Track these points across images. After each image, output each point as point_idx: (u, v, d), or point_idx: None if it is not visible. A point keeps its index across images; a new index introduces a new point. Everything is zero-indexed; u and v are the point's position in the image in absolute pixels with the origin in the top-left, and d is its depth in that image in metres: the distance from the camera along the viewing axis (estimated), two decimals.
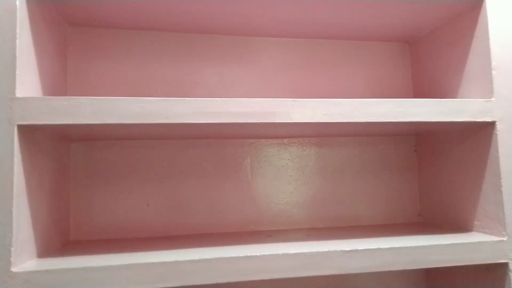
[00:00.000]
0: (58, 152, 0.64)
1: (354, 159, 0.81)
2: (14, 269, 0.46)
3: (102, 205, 0.71)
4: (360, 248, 0.54)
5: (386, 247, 0.55)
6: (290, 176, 0.79)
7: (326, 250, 0.53)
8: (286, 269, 0.52)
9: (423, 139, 0.81)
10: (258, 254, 0.52)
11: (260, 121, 0.54)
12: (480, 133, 0.64)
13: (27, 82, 0.52)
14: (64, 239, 0.66)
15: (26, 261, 0.50)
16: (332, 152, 0.81)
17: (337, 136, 0.81)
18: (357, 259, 0.54)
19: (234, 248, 0.56)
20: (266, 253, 0.52)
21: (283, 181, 0.78)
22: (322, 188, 0.79)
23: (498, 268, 0.60)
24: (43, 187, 0.57)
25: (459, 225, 0.69)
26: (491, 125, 0.61)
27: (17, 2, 0.49)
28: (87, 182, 0.71)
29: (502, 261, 0.58)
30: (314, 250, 0.53)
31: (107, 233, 0.71)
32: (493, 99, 0.61)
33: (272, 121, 0.54)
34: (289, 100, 0.55)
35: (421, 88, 0.81)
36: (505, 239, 0.59)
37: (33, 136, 0.53)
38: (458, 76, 0.68)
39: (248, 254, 0.52)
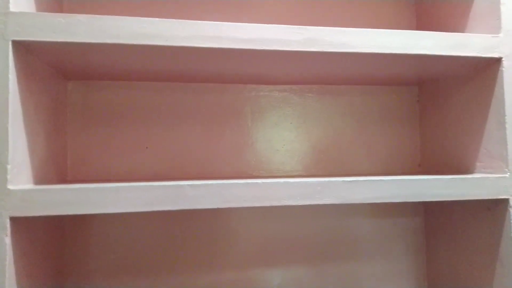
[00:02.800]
0: (55, 91, 0.63)
1: (356, 108, 0.80)
2: (10, 186, 0.45)
3: (100, 146, 0.70)
4: (361, 179, 0.54)
5: (388, 179, 0.54)
6: (291, 123, 0.78)
7: (327, 180, 0.53)
8: (287, 197, 0.52)
9: (425, 89, 0.80)
10: (259, 182, 0.51)
11: (261, 48, 0.52)
12: (485, 72, 0.63)
13: None
14: (61, 178, 0.66)
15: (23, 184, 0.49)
16: (334, 101, 0.79)
17: (339, 85, 0.79)
18: (358, 190, 0.53)
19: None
20: (267, 181, 0.51)
21: (283, 128, 0.77)
22: (323, 137, 0.79)
23: (499, 206, 0.60)
24: (40, 121, 0.55)
25: (461, 171, 0.69)
26: (497, 62, 0.60)
27: None
28: (84, 123, 0.70)
29: (503, 197, 0.58)
30: (315, 180, 0.53)
31: (105, 175, 0.70)
32: (500, 35, 0.59)
33: (274, 49, 0.53)
34: (294, 27, 0.53)
35: (426, 25, 0.79)
36: (507, 175, 0.58)
37: (28, 60, 0.51)
38: (466, 11, 0.66)
39: (249, 182, 0.51)
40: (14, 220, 0.45)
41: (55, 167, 0.62)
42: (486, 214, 0.63)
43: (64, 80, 0.68)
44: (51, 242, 0.61)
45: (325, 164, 0.78)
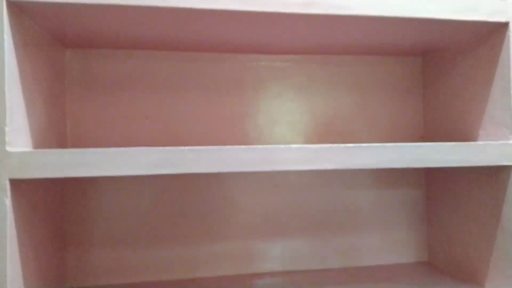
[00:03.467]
0: (53, 58, 0.62)
1: (359, 79, 0.79)
2: (9, 148, 0.45)
3: (99, 117, 0.70)
4: (362, 145, 0.53)
5: (390, 145, 0.54)
6: (293, 94, 0.77)
7: (328, 146, 0.52)
8: (287, 162, 0.51)
9: (429, 59, 0.78)
10: (259, 147, 0.51)
11: (259, 9, 0.51)
12: (492, 37, 0.61)
13: None
14: (60, 147, 0.65)
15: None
16: (337, 72, 0.78)
17: (342, 55, 0.78)
18: (359, 155, 0.53)
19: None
20: (268, 147, 0.51)
21: (285, 99, 0.76)
22: (325, 108, 0.78)
23: (501, 174, 0.60)
24: (38, 87, 0.55)
25: (464, 140, 0.69)
26: (504, 26, 0.59)
27: None
28: (83, 92, 0.69)
29: (507, 163, 0.57)
30: (316, 146, 0.52)
31: (104, 145, 0.70)
32: None
33: (272, 10, 0.51)
34: None
35: None
36: (510, 142, 0.58)
37: (24, 22, 0.50)
38: None
39: (250, 147, 0.51)
40: (13, 182, 0.45)
41: (54, 136, 0.62)
42: (488, 182, 0.63)
43: (62, 48, 0.67)
44: (52, 206, 0.61)
45: (327, 136, 0.78)
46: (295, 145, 0.52)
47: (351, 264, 0.78)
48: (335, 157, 0.52)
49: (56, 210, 0.63)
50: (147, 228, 0.71)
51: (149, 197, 0.71)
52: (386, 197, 0.80)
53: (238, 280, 0.70)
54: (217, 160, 0.49)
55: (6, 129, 0.45)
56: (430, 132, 0.79)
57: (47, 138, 0.58)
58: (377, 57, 0.79)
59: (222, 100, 0.74)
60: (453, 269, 0.73)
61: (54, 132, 0.62)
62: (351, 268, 0.77)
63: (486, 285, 0.65)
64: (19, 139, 0.48)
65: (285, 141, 0.76)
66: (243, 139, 0.75)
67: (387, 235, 0.80)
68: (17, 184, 0.46)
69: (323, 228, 0.77)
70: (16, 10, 0.48)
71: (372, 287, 0.65)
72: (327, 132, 0.77)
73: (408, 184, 0.80)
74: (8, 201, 0.44)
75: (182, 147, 0.49)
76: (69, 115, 0.68)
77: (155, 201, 0.72)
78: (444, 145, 0.55)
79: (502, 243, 0.61)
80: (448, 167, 0.62)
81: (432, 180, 0.79)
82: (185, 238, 0.72)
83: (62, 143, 0.66)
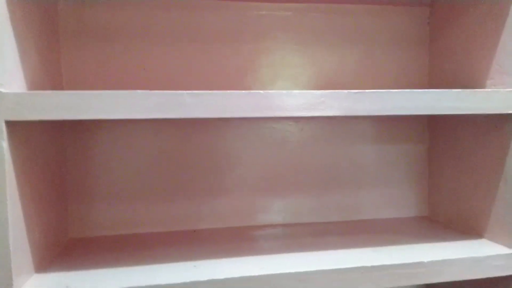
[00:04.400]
0: (45, 8, 0.59)
1: (363, 30, 0.76)
2: (3, 89, 0.44)
3: (95, 68, 0.68)
4: (366, 91, 0.52)
5: (394, 91, 0.52)
6: (296, 45, 0.74)
7: (332, 91, 0.51)
8: (290, 108, 0.50)
9: (437, 10, 0.75)
10: (261, 92, 0.49)
11: None
12: None
13: None
14: None
15: None
16: (341, 22, 0.75)
17: (347, 3, 0.75)
18: (363, 101, 0.51)
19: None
20: (270, 92, 0.50)
21: (287, 50, 0.74)
22: (329, 59, 0.76)
23: (507, 123, 0.59)
24: (30, 34, 0.53)
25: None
26: None
27: None
28: (78, 43, 0.67)
29: None
30: (319, 92, 0.51)
31: None
32: None
33: None
34: None
35: None
36: None
37: None
38: None
39: (252, 92, 0.49)
40: (9, 124, 0.44)
41: (49, 84, 0.60)
42: (493, 132, 0.62)
43: None
44: (51, 155, 0.60)
45: (330, 89, 0.76)
46: (298, 91, 0.50)
47: (351, 218, 0.79)
48: (339, 103, 0.51)
49: (56, 160, 0.62)
50: (148, 181, 0.71)
51: (150, 150, 0.71)
52: (388, 152, 0.79)
53: (239, 231, 0.71)
54: (217, 105, 0.48)
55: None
56: (436, 82, 0.77)
57: (43, 85, 0.57)
58: (384, 7, 0.76)
59: (221, 51, 0.72)
60: (452, 222, 0.73)
61: (49, 79, 0.60)
62: (351, 221, 0.77)
63: (486, 235, 0.65)
64: (13, 82, 0.47)
65: None
66: (243, 89, 0.74)
67: (388, 190, 0.80)
68: (13, 126, 0.45)
69: (324, 183, 0.77)
70: None
71: (371, 238, 0.66)
72: (331, 85, 0.76)
73: (411, 139, 0.79)
74: (5, 144, 0.44)
75: (181, 91, 0.47)
76: (64, 65, 0.67)
77: (157, 154, 0.71)
78: (451, 92, 0.54)
79: (504, 194, 0.60)
80: (454, 115, 0.61)
81: (435, 134, 0.78)
82: (186, 191, 0.72)
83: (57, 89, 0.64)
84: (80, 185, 0.69)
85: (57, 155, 0.64)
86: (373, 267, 0.54)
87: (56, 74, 0.64)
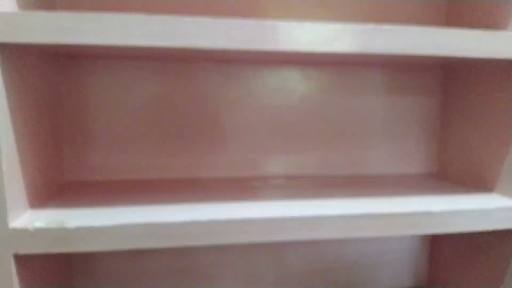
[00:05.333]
0: None
1: None
2: None
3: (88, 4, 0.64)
4: (382, 27, 0.48)
5: (412, 28, 0.49)
6: None
7: (344, 25, 0.47)
8: (299, 42, 0.47)
9: None
10: (271, 22, 0.46)
11: None
12: None
13: None
14: None
15: None
16: None
17: None
18: (377, 37, 0.48)
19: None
20: (279, 23, 0.46)
21: None
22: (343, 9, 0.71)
23: None
24: None
25: None
26: None
27: None
28: None
29: None
30: (331, 25, 0.47)
31: None
32: None
33: None
34: None
35: None
36: None
37: None
38: None
39: (260, 22, 0.46)
40: (1, 46, 0.41)
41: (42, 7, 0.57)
42: (509, 83, 0.59)
43: None
44: (45, 90, 0.57)
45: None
46: (309, 23, 0.47)
47: (358, 173, 0.77)
48: (353, 39, 0.47)
49: (50, 99, 0.60)
50: (146, 126, 0.69)
51: (149, 94, 0.68)
52: (399, 105, 0.76)
53: (240, 181, 0.69)
54: (222, 34, 0.45)
55: None
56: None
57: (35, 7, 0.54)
58: None
59: None
60: (462, 179, 0.71)
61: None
62: (357, 176, 0.75)
63: (496, 190, 0.63)
64: (4, 3, 0.43)
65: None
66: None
67: (396, 145, 0.77)
68: (4, 49, 0.42)
69: (330, 135, 0.75)
70: None
71: (378, 191, 0.64)
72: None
73: (424, 92, 0.76)
74: None
75: (184, 17, 0.44)
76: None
77: (156, 98, 0.68)
78: (471, 32, 0.50)
79: None
80: (471, 63, 0.57)
81: (449, 87, 0.74)
82: (186, 138, 0.70)
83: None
84: (75, 128, 0.67)
85: (52, 94, 0.61)
86: (379, 214, 0.52)
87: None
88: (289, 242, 0.76)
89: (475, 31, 0.50)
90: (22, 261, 0.47)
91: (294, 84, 0.72)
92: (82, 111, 0.66)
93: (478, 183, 0.67)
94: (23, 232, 0.44)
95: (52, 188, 0.60)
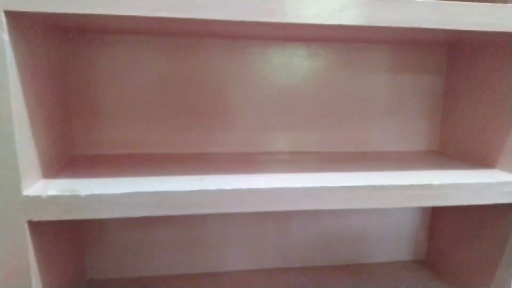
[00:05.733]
0: None
1: None
2: None
3: None
4: (391, 0, 0.48)
5: (422, 0, 0.49)
6: None
7: None
8: (307, 16, 0.47)
9: None
10: None
11: None
12: None
13: None
14: None
15: None
16: None
17: None
18: (382, 9, 0.48)
19: None
20: None
21: None
22: None
23: None
24: None
25: None
26: None
27: None
28: None
29: None
30: None
31: None
32: None
33: None
34: None
35: None
36: None
37: None
38: None
39: None
40: (9, 15, 0.42)
41: None
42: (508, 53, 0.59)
43: None
44: (54, 64, 0.58)
45: None
46: None
47: (360, 150, 0.78)
48: (360, 11, 0.47)
49: (59, 72, 0.61)
50: (154, 101, 0.69)
51: (156, 68, 0.68)
52: (402, 83, 0.76)
53: (245, 156, 0.70)
54: (229, 6, 0.45)
55: None
56: None
57: None
58: None
59: None
60: (464, 156, 0.72)
61: None
62: (359, 152, 0.76)
63: (498, 166, 0.64)
64: None
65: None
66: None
67: (400, 124, 0.78)
68: (13, 18, 0.43)
69: (334, 112, 0.75)
70: None
71: (380, 165, 0.65)
72: None
73: (428, 70, 0.76)
74: (6, 36, 0.42)
75: None
76: None
77: (163, 73, 0.69)
78: (481, 5, 0.50)
79: None
80: (477, 38, 0.57)
81: (453, 65, 0.74)
82: (192, 114, 0.71)
83: None
84: (84, 102, 0.67)
85: (60, 68, 0.62)
86: (381, 186, 0.53)
87: None
88: (292, 214, 0.78)
89: (481, 4, 0.50)
90: (36, 227, 0.48)
91: (300, 61, 0.72)
92: (91, 87, 0.67)
93: (480, 160, 0.68)
94: (36, 200, 0.46)
95: (64, 161, 0.62)
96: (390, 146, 0.78)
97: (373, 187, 0.53)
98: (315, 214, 0.79)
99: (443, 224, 0.78)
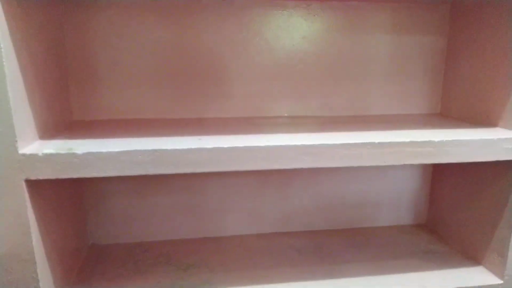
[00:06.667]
0: None
1: None
2: None
3: None
4: None
5: None
6: None
7: None
8: None
9: None
10: None
11: None
12: None
13: None
14: None
15: None
16: None
17: None
18: None
19: None
20: None
21: None
22: None
23: None
24: None
25: None
26: None
27: None
28: None
29: None
30: None
31: None
32: None
33: None
34: None
35: None
36: None
37: None
38: None
39: None
40: None
41: None
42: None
43: None
44: (49, 30, 0.57)
45: None
46: None
47: (360, 113, 0.77)
48: None
49: (55, 38, 0.59)
50: (152, 67, 0.68)
51: (154, 33, 0.67)
52: (404, 44, 0.74)
53: (244, 120, 0.70)
54: None
55: None
56: None
57: None
58: None
59: None
60: (466, 118, 0.71)
61: None
62: (359, 116, 0.75)
63: (499, 125, 0.63)
64: None
65: None
66: None
67: (400, 85, 0.76)
68: None
69: (334, 74, 0.74)
70: None
71: (380, 126, 0.64)
72: None
73: (430, 31, 0.74)
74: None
75: None
76: None
77: (161, 38, 0.67)
78: None
79: None
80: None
81: (456, 26, 0.72)
82: (191, 79, 0.70)
83: None
84: (82, 68, 0.66)
85: (56, 33, 0.61)
86: (380, 143, 0.52)
87: None
88: (292, 179, 0.78)
89: None
90: (34, 187, 0.48)
91: (299, 22, 0.71)
92: (87, 52, 0.66)
93: (482, 121, 0.67)
94: (32, 158, 0.46)
95: (61, 126, 0.61)
96: (390, 110, 0.77)
97: (372, 144, 0.52)
98: (315, 178, 0.79)
99: (444, 187, 0.78)
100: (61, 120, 0.62)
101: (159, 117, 0.71)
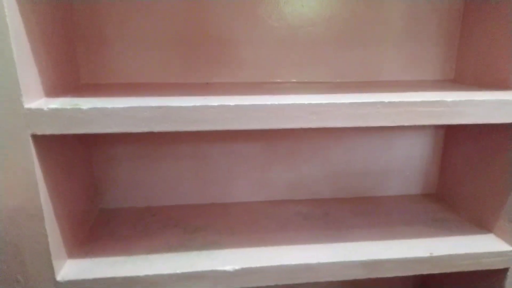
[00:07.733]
0: None
1: None
2: None
3: None
4: None
5: None
6: None
7: None
8: None
9: None
10: None
11: None
12: None
13: None
14: None
15: None
16: None
17: None
18: None
19: None
20: None
21: None
22: None
23: None
24: None
25: None
26: None
27: None
28: None
29: None
30: None
31: None
32: None
33: None
34: None
35: None
36: None
37: None
38: None
39: None
40: None
41: None
42: None
43: None
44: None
45: None
46: None
47: (371, 79, 0.75)
48: None
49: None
50: (161, 28, 0.67)
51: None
52: (417, 5, 0.71)
53: (251, 85, 0.69)
54: None
55: None
56: None
57: None
58: None
59: None
60: (480, 84, 0.69)
61: None
62: (371, 82, 0.74)
63: None
64: None
65: None
66: None
67: (413, 50, 0.74)
68: None
69: (344, 38, 0.72)
70: None
71: (392, 89, 0.62)
72: None
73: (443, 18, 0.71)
74: None
75: None
76: None
77: (170, 3, 0.66)
78: None
79: None
80: None
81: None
82: (199, 43, 0.69)
83: None
84: (89, 31, 0.66)
85: None
86: (390, 102, 0.51)
87: None
88: (300, 146, 0.77)
89: None
90: (41, 142, 0.49)
91: None
92: (96, 15, 0.65)
93: (496, 87, 0.65)
94: (38, 112, 0.46)
95: (68, 88, 0.61)
96: (402, 75, 0.75)
97: (382, 103, 0.51)
98: (324, 146, 0.78)
99: (455, 155, 0.76)
100: (68, 82, 0.61)
101: (167, 81, 0.70)
